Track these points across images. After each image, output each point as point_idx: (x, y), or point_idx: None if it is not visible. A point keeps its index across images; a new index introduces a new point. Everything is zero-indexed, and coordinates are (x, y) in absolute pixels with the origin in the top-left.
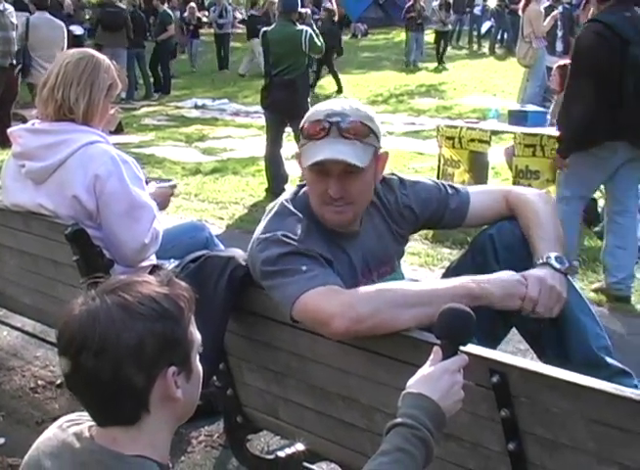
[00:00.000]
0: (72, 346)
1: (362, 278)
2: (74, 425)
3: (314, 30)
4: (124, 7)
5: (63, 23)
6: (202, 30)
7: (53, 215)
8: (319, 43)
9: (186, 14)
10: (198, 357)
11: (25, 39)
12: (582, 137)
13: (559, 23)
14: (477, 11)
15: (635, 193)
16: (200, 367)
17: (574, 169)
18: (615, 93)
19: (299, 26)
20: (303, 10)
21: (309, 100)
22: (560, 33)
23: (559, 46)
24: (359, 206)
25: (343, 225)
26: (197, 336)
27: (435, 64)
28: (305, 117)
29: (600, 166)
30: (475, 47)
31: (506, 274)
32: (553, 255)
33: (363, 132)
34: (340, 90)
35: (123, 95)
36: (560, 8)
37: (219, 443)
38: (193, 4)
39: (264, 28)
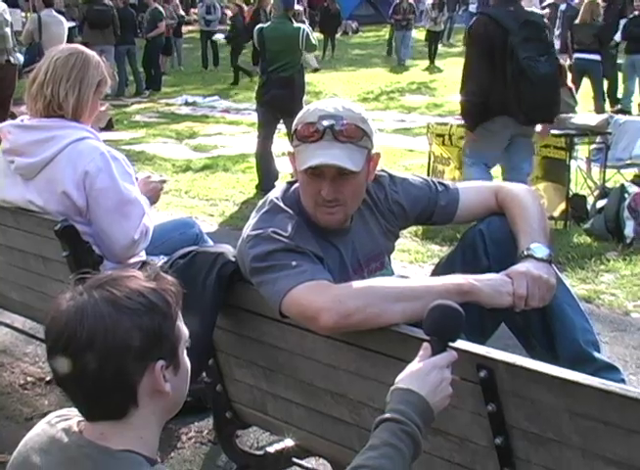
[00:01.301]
0: (60, 341)
1: (353, 274)
2: (63, 420)
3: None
4: (111, 4)
5: (65, 20)
6: (191, 27)
7: (42, 211)
8: (314, 41)
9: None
10: (185, 352)
11: (39, 38)
12: (479, 112)
13: (557, 21)
14: (472, 8)
15: (529, 163)
16: (187, 361)
17: (477, 144)
18: (501, 75)
19: (296, 24)
20: (297, 7)
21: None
22: (557, 32)
23: (556, 44)
24: (351, 206)
25: (336, 226)
26: (184, 330)
27: (426, 62)
28: (298, 118)
29: (494, 140)
30: None
31: (493, 274)
32: (533, 245)
33: (357, 135)
34: (235, 82)
35: (109, 91)
36: (563, 6)
37: (209, 439)
38: (177, 1)
39: (260, 25)
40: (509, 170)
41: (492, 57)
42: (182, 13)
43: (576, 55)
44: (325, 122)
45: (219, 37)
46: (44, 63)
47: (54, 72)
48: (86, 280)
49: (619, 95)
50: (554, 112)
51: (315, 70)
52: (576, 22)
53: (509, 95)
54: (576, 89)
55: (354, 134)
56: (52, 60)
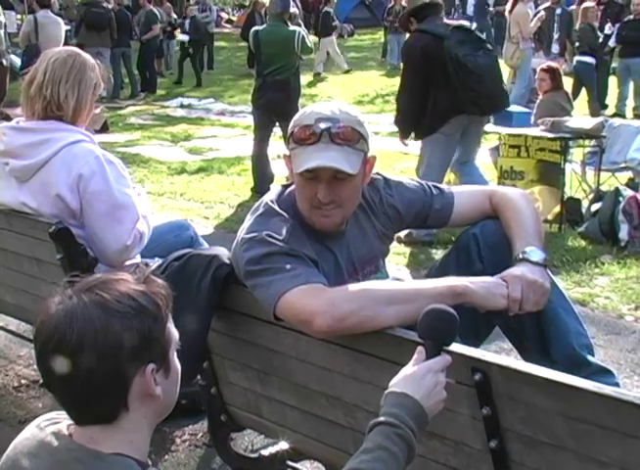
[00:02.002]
0: (50, 344)
1: (348, 277)
2: (53, 424)
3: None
4: (109, 7)
5: (61, 21)
6: None
7: (36, 214)
8: (310, 44)
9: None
10: (176, 354)
11: (36, 39)
12: (412, 125)
13: (555, 24)
14: (469, 11)
15: (478, 145)
16: (178, 364)
17: (434, 150)
18: (444, 80)
19: (292, 27)
20: (292, 10)
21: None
22: (556, 35)
23: (555, 48)
24: (347, 209)
25: (331, 229)
26: (174, 333)
27: None
28: (294, 121)
29: (451, 141)
30: None
31: (488, 277)
32: (529, 249)
33: (354, 138)
34: (199, 84)
35: (104, 94)
36: (558, 10)
37: (203, 442)
38: (169, 4)
39: (255, 28)
40: (461, 155)
41: (432, 68)
42: (174, 16)
43: (576, 58)
44: (322, 125)
45: (184, 38)
46: (41, 64)
47: (52, 73)
48: (76, 283)
49: (614, 99)
50: (503, 102)
51: (347, 72)
52: (576, 27)
53: (455, 94)
54: (577, 93)
55: (351, 137)
56: (49, 61)
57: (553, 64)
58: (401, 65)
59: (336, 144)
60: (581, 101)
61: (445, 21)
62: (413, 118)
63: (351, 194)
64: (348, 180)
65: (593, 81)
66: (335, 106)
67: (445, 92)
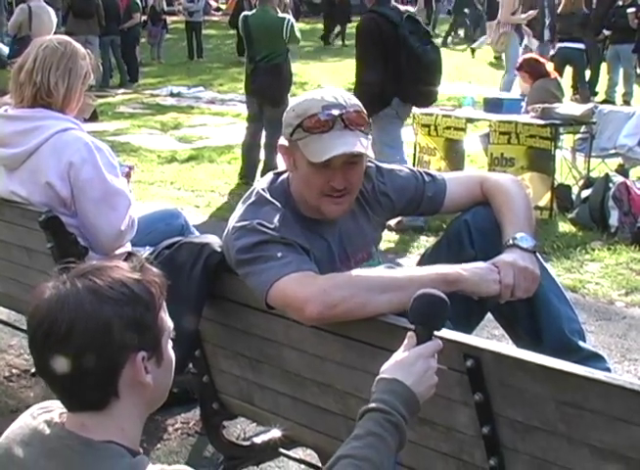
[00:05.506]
0: (41, 330)
1: (340, 264)
2: (45, 412)
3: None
4: None
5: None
6: (175, 18)
7: (26, 203)
8: (298, 34)
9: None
10: (170, 344)
11: (29, 29)
12: (376, 101)
13: (545, 10)
14: None
15: None
16: (172, 353)
17: (384, 129)
18: (392, 64)
19: (281, 14)
20: None
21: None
22: (547, 21)
23: (547, 34)
24: (353, 195)
25: (340, 216)
26: (168, 322)
27: None
28: (295, 110)
29: (398, 120)
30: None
31: (480, 263)
32: (519, 235)
33: (363, 122)
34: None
35: (93, 82)
36: None
37: (195, 430)
38: None
39: (245, 13)
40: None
41: (383, 49)
42: (164, 6)
43: (560, 44)
44: (334, 112)
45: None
46: (31, 51)
47: (43, 60)
48: (70, 270)
49: (604, 86)
50: (435, 96)
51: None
52: (559, 11)
53: (402, 80)
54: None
55: (361, 121)
56: (40, 48)
57: (525, 56)
58: None
59: (349, 130)
60: (566, 86)
61: (395, 3)
62: (378, 93)
63: (360, 178)
64: (359, 164)
65: (585, 67)
66: (335, 92)
67: (389, 75)
